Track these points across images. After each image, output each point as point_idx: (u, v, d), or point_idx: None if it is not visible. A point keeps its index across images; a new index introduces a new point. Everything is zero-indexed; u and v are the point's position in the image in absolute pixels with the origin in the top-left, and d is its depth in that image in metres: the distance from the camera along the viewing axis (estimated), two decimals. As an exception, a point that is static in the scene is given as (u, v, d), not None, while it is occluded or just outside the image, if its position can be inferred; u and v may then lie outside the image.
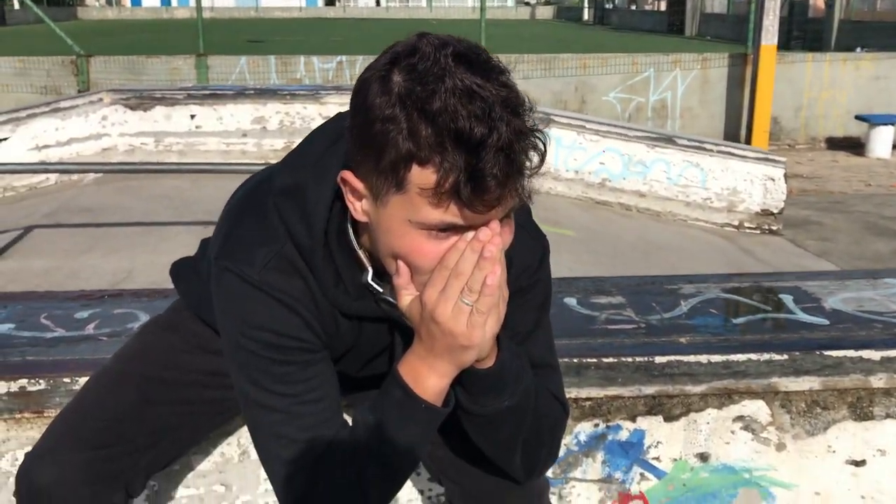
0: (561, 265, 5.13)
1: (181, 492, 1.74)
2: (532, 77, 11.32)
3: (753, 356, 1.79)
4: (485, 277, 1.05)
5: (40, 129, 6.53)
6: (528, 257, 1.29)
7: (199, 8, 11.33)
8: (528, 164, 1.01)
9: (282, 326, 1.16)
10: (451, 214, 1.00)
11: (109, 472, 1.40)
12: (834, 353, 1.80)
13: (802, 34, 24.23)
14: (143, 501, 1.70)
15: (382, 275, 1.18)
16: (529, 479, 1.34)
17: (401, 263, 1.10)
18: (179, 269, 1.57)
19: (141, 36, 25.71)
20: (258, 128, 6.90)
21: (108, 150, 6.75)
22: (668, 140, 7.04)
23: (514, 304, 1.20)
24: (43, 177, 6.48)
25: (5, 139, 6.51)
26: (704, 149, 6.95)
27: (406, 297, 1.12)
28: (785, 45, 21.86)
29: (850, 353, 1.80)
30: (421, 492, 1.77)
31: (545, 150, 1.03)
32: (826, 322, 1.95)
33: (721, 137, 11.22)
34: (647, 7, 48.27)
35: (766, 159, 6.96)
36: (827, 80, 11.26)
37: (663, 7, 35.95)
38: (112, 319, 1.96)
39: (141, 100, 6.75)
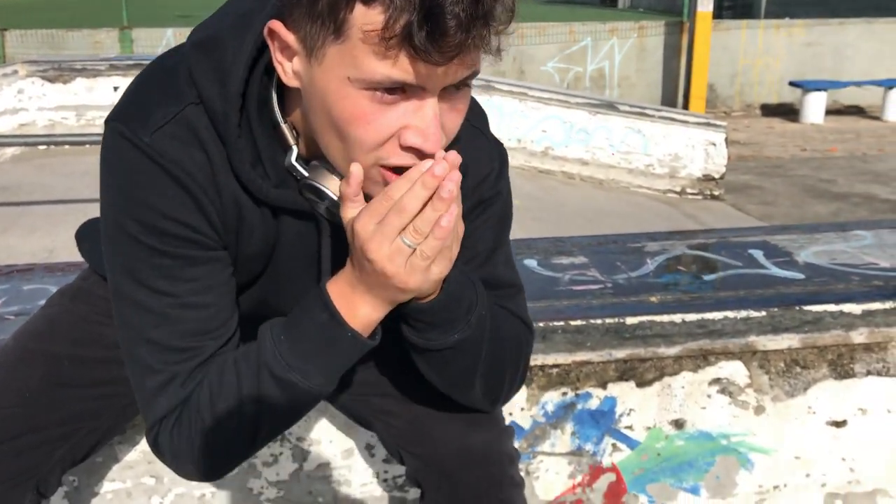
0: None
1: (105, 486, 1.54)
2: (469, 47, 11.14)
3: (730, 314, 1.67)
4: (438, 218, 0.88)
5: (-49, 103, 6.12)
6: (486, 165, 1.11)
7: (120, -22, 10.82)
8: (496, 11, 0.83)
9: (168, 206, 0.95)
10: (401, 69, 0.82)
11: (16, 469, 1.18)
12: (813, 308, 1.69)
13: (733, 3, 24.53)
14: (62, 499, 1.50)
15: (312, 161, 0.99)
16: (494, 407, 1.19)
17: (354, 169, 0.91)
18: (85, 230, 1.33)
19: (62, 14, 24.68)
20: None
21: (25, 125, 6.35)
22: (610, 106, 6.95)
23: (473, 219, 1.07)
24: (-45, 155, 6.08)
25: (-88, 115, 6.09)
26: (646, 115, 6.89)
27: (351, 210, 0.92)
28: (717, 14, 22.10)
29: (831, 307, 1.69)
30: (377, 474, 1.61)
31: (514, 7, 0.87)
32: (801, 276, 1.84)
33: (659, 105, 11.25)
34: (580, -20, 48.33)
35: (707, 124, 6.92)
36: (761, 47, 11.32)
37: (596, -21, 35.99)
38: (21, 296, 1.74)
39: (60, 71, 6.36)
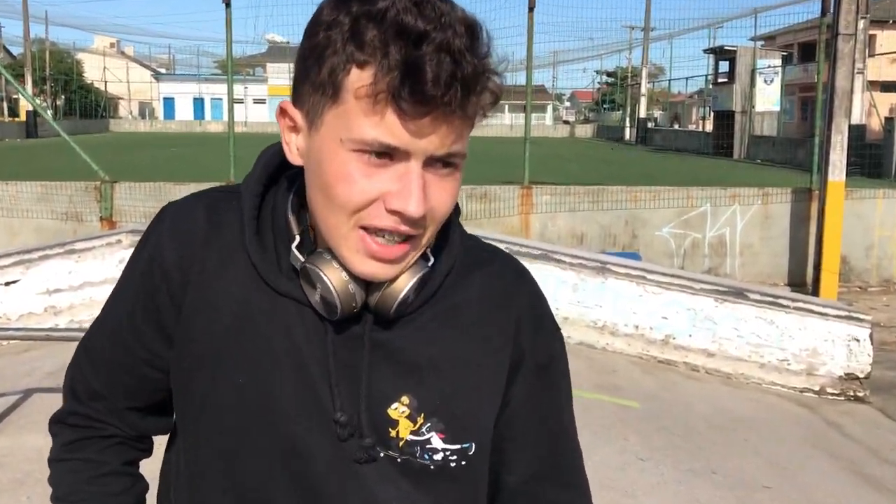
0: (627, 452, 4.67)
1: None
2: (578, 210, 11.06)
3: None
4: None
5: (52, 271, 6.28)
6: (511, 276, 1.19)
7: (231, 135, 11.32)
8: (477, 77, 0.91)
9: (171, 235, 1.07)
10: (387, 129, 0.90)
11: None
12: None
13: (860, 160, 24.04)
14: None
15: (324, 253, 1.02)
16: None
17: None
18: None
19: (171, 151, 26.24)
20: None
21: (123, 294, 6.47)
22: (739, 293, 6.61)
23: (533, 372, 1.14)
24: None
25: (15, 282, 6.27)
26: (779, 304, 6.51)
27: None
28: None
29: None
30: None
31: (500, 89, 0.96)
32: None
33: (786, 277, 10.81)
34: (692, 126, 48.80)
35: (850, 317, 6.49)
36: (900, 217, 10.90)
37: (708, 127, 36.22)
38: None
39: (162, 241, 6.50)
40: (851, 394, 6.44)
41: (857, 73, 24.14)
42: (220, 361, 1.03)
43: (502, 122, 60.00)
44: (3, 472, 3.97)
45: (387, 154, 0.92)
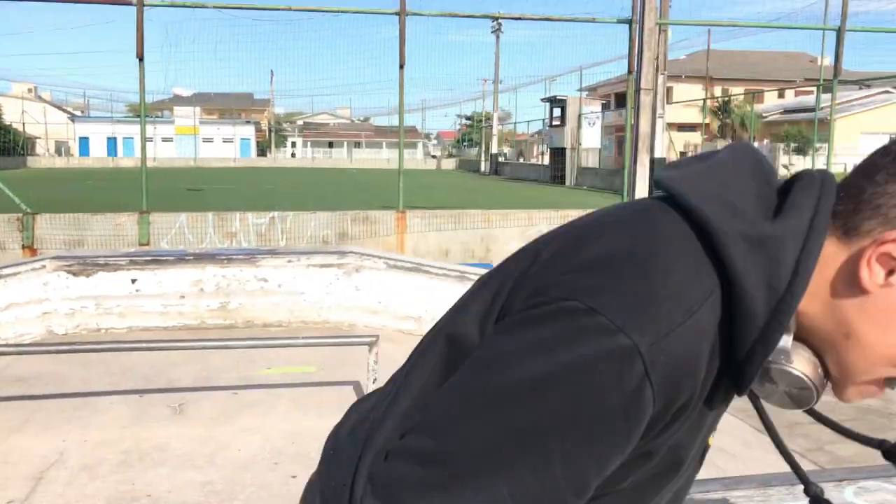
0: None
1: None
2: (444, 230, 11.31)
3: None
4: None
5: (-20, 294, 5.93)
6: None
7: (143, 171, 10.96)
8: None
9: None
10: None
11: None
12: None
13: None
14: None
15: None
16: None
17: None
18: None
19: (86, 184, 24.94)
20: (196, 290, 6.48)
21: (48, 313, 6.18)
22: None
23: None
24: (-20, 341, 5.84)
25: (-56, 304, 5.89)
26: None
27: None
28: (648, 194, 22.92)
29: None
30: None
31: None
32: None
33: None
34: (533, 160, 50.31)
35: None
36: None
37: (546, 161, 37.47)
38: None
39: (84, 266, 6.26)
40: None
41: (658, 117, 25.62)
42: None
43: (381, 157, 59.99)
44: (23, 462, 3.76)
45: None
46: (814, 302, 0.75)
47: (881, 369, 0.76)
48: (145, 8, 10.36)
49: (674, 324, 0.69)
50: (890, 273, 0.72)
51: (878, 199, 0.73)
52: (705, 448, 0.90)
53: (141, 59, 10.48)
